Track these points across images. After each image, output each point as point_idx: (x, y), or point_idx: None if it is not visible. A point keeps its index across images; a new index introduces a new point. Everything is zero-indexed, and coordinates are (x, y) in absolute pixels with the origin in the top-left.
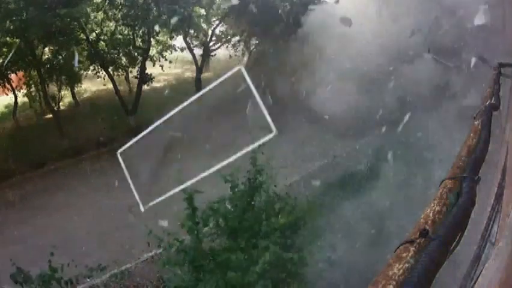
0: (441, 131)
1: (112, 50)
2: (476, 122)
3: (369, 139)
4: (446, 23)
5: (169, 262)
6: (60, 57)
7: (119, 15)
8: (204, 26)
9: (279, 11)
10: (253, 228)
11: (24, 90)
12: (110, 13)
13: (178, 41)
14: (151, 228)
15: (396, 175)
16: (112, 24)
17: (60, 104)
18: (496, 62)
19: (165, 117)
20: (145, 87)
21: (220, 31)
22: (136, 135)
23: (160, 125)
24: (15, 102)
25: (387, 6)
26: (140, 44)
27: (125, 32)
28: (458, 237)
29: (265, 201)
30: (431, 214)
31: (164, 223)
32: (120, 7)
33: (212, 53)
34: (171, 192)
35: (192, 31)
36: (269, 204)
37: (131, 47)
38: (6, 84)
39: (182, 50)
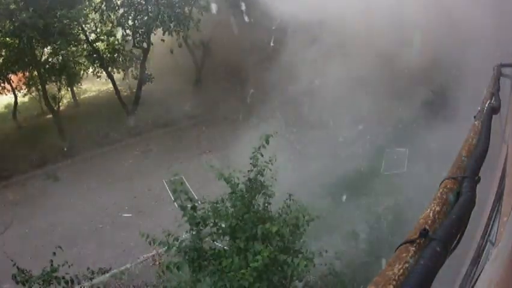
0: None
1: (112, 50)
2: (476, 122)
3: None
4: None
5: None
6: (60, 57)
7: (115, 17)
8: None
9: None
10: (251, 230)
11: (24, 91)
12: (107, 15)
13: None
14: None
15: None
16: (110, 24)
17: (60, 104)
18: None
19: None
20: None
21: None
22: (135, 135)
23: None
24: (15, 102)
25: None
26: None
27: (125, 32)
28: (458, 237)
29: (263, 203)
30: (431, 214)
31: None
32: (117, 8)
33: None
34: None
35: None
36: (266, 207)
37: (131, 47)
38: (6, 84)
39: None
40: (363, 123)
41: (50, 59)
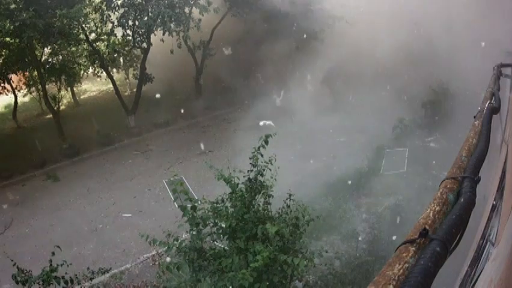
0: None
1: (111, 50)
2: (476, 122)
3: None
4: None
5: (170, 264)
6: (60, 57)
7: (115, 17)
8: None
9: None
10: (251, 230)
11: (24, 91)
12: (107, 14)
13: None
14: None
15: None
16: (110, 24)
17: (60, 104)
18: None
19: None
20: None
21: None
22: (135, 135)
23: None
24: (15, 102)
25: None
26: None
27: (125, 32)
28: (458, 237)
29: (263, 203)
30: (431, 214)
31: None
32: (117, 8)
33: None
34: None
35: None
36: (266, 207)
37: (130, 47)
38: (6, 84)
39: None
40: (363, 123)
41: (50, 59)
